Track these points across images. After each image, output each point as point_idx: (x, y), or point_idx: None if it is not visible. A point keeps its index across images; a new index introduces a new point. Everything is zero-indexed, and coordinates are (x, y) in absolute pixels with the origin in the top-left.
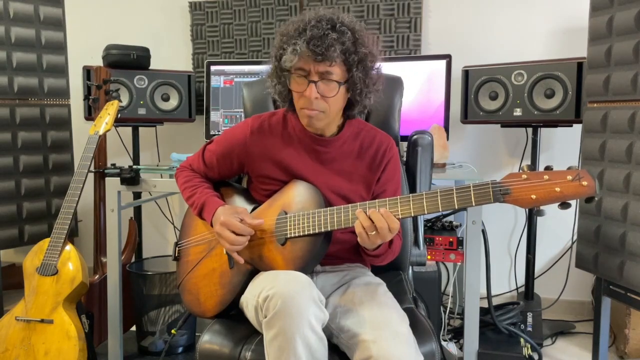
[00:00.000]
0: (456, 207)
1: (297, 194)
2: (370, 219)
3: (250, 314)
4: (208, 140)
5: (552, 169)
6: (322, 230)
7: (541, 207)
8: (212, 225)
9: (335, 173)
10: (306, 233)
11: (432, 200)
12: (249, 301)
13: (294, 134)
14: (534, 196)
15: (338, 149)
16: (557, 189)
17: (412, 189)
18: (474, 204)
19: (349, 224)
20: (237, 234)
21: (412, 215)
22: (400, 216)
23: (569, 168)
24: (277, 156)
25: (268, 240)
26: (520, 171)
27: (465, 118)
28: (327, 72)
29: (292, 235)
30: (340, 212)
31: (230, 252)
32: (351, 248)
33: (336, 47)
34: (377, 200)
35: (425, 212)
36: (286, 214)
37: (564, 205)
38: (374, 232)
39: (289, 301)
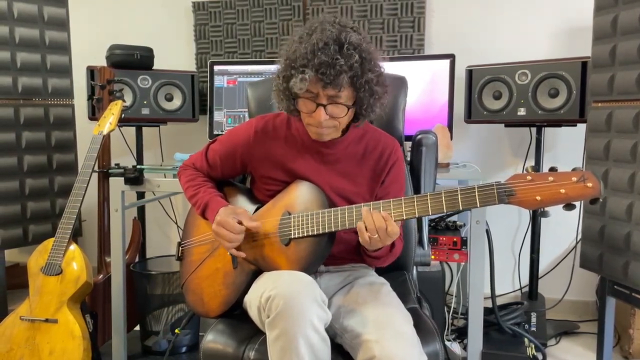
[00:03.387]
0: (460, 208)
1: (301, 195)
2: (372, 219)
3: (253, 314)
4: (212, 140)
5: (556, 170)
6: (326, 231)
7: (546, 209)
8: None
9: (338, 174)
10: (310, 234)
11: (437, 201)
12: (252, 301)
13: (298, 135)
14: (538, 197)
15: (342, 150)
16: (562, 191)
17: (417, 189)
18: (478, 205)
19: (352, 225)
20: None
21: (416, 216)
22: (404, 217)
23: (573, 169)
24: (280, 157)
25: (272, 240)
26: (525, 172)
27: (469, 118)
28: (336, 96)
29: (296, 235)
30: (344, 213)
31: (229, 250)
32: (355, 248)
33: (344, 74)
34: (381, 201)
35: (430, 213)
36: (289, 214)
37: (569, 206)
38: (376, 236)
39: (291, 302)
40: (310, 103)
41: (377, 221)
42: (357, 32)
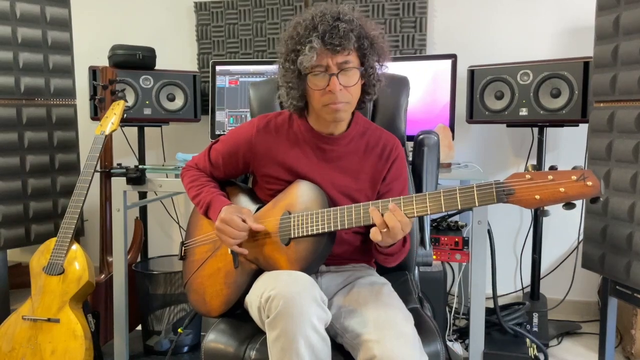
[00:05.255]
0: (459, 208)
1: (301, 194)
2: (383, 219)
3: (254, 313)
4: (214, 140)
5: (556, 168)
6: (326, 230)
7: (546, 208)
8: None
9: (340, 171)
10: (309, 233)
11: (435, 200)
12: (252, 301)
13: (300, 133)
14: (538, 196)
15: (344, 147)
16: (562, 190)
17: (419, 189)
18: (477, 205)
19: (352, 225)
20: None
21: (415, 215)
22: None
23: (573, 168)
24: (282, 156)
25: (272, 240)
26: (525, 171)
27: (471, 118)
28: (346, 61)
29: (296, 235)
30: (344, 212)
31: (231, 247)
32: (356, 248)
33: (350, 34)
34: (380, 200)
35: (429, 213)
36: (290, 214)
37: (569, 205)
38: (385, 230)
39: (290, 302)
40: (322, 76)
41: (388, 220)
42: (348, 6)
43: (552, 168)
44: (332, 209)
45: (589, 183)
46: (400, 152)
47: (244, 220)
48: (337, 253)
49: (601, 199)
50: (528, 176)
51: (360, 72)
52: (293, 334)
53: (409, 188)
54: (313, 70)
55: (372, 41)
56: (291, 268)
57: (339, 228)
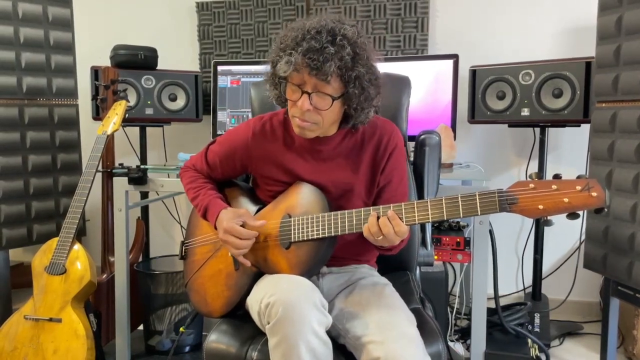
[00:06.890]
0: (461, 216)
1: (301, 197)
2: (378, 225)
3: (255, 317)
4: (211, 140)
5: (560, 177)
6: (327, 235)
7: (549, 217)
8: (216, 228)
9: (340, 168)
10: (310, 237)
11: (437, 208)
12: (253, 305)
13: (296, 136)
14: (541, 206)
15: (339, 144)
16: (566, 200)
17: (420, 189)
18: (479, 213)
19: (352, 230)
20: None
21: (417, 223)
22: (404, 223)
23: (578, 177)
24: (279, 159)
25: (272, 243)
26: (528, 179)
27: (473, 118)
28: (322, 85)
29: (296, 239)
30: (344, 217)
31: (237, 257)
32: (357, 248)
33: (333, 62)
34: (381, 205)
35: (430, 220)
36: (290, 217)
37: (573, 215)
38: (381, 237)
39: (290, 308)
40: (296, 89)
41: (383, 227)
42: (354, 28)
43: (556, 177)
44: (332, 213)
45: (594, 194)
46: (399, 141)
47: (243, 225)
48: (338, 254)
49: (606, 209)
50: (532, 185)
51: (336, 100)
52: (294, 340)
53: (409, 185)
54: (291, 80)
55: (358, 75)
56: (292, 272)
57: (340, 233)
